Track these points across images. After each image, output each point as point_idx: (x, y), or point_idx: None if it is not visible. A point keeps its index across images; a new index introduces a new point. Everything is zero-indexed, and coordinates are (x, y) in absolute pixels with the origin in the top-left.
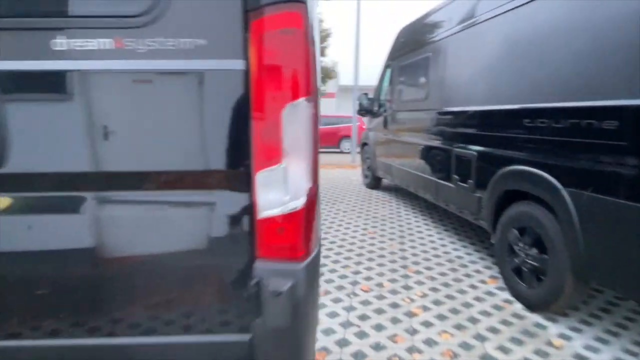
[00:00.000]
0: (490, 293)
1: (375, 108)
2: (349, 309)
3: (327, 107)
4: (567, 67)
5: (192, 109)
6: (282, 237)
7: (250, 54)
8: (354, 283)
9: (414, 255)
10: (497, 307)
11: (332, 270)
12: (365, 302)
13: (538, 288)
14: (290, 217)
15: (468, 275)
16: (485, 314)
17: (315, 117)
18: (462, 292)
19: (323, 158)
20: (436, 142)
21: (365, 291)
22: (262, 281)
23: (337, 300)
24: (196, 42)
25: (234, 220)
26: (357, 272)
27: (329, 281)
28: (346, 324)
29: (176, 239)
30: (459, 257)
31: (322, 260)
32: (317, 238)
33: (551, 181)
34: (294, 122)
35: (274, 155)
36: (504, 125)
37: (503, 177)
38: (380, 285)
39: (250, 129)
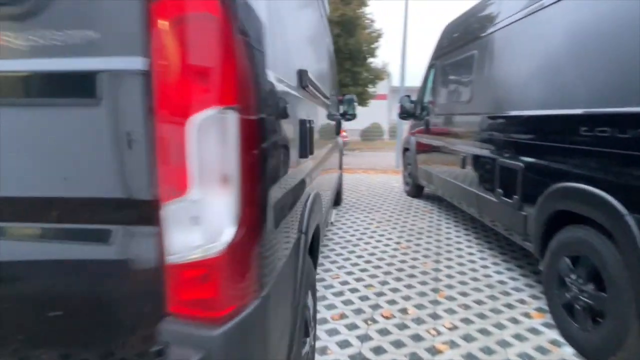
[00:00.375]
0: (534, 330)
1: (418, 111)
2: (364, 338)
3: (379, 110)
4: None
5: (83, 119)
6: (195, 290)
7: (150, 49)
8: (375, 307)
9: (449, 277)
10: (542, 350)
11: (353, 290)
12: (384, 332)
13: (594, 332)
14: (205, 264)
15: (510, 306)
16: (527, 357)
17: (251, 133)
18: (500, 326)
19: (367, 160)
20: (478, 150)
21: (386, 317)
22: (166, 349)
23: (352, 327)
24: (86, 36)
25: (137, 264)
26: (380, 294)
27: (347, 302)
28: (356, 358)
29: (56, 287)
30: (502, 283)
31: (344, 278)
32: (255, 291)
33: (613, 204)
34: (208, 139)
35: (180, 184)
36: (557, 133)
37: (554, 195)
38: (404, 311)
39: (153, 147)
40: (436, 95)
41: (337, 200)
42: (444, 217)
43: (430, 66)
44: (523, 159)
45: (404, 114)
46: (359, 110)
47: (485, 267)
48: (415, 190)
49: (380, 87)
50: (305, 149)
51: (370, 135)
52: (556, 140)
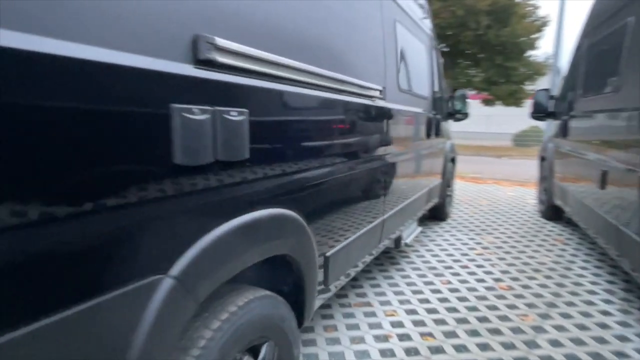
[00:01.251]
0: None
1: (559, 109)
2: None
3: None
4: None
5: None
6: None
7: None
8: None
9: (554, 344)
10: None
11: (403, 337)
12: None
13: None
14: None
15: None
16: None
17: None
18: None
19: (507, 169)
20: (624, 163)
21: None
22: None
23: None
24: None
25: None
26: (437, 350)
27: (386, 353)
28: None
29: None
30: None
31: (401, 317)
32: None
33: None
34: None
35: None
36: None
37: None
38: None
39: None
40: (577, 87)
41: (440, 216)
42: (582, 253)
43: (577, 50)
44: None
45: (539, 113)
46: (511, 111)
47: (622, 338)
48: (551, 212)
49: (544, 85)
50: (202, 151)
51: (525, 140)
52: None
